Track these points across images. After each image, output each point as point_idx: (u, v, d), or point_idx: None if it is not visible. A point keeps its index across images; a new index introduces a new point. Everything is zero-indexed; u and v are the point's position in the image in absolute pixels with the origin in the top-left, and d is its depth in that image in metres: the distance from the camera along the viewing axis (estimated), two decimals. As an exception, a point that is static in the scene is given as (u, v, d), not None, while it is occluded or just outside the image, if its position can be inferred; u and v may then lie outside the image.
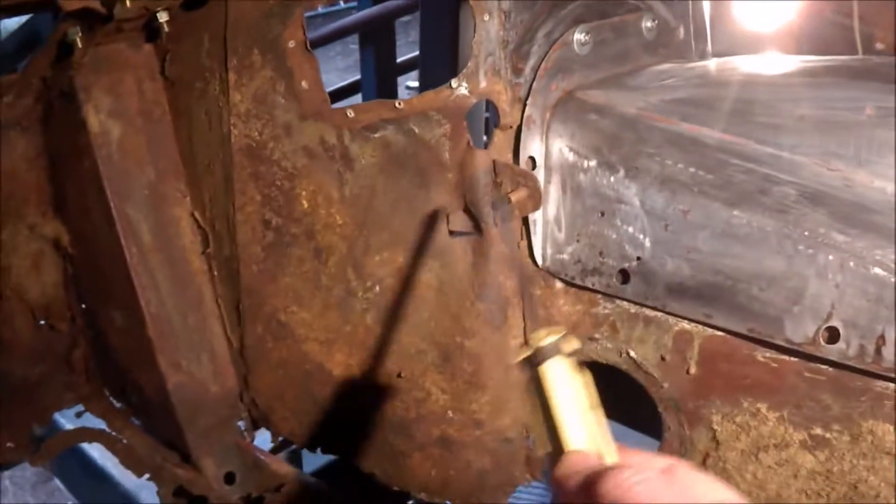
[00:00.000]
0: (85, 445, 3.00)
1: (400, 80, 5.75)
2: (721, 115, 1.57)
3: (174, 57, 1.96)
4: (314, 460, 3.01)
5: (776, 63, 1.96)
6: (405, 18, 5.84)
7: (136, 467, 2.27)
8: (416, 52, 4.95)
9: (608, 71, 1.74)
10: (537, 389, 1.00)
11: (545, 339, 1.02)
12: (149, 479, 2.26)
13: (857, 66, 1.76)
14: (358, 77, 5.48)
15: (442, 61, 3.57)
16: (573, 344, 1.03)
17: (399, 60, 5.47)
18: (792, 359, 1.44)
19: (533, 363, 1.02)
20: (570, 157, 1.59)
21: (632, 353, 1.60)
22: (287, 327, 1.94)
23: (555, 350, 1.01)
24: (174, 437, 2.21)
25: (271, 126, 1.80)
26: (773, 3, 2.81)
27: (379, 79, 5.20)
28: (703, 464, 1.58)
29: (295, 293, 1.90)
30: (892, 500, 1.41)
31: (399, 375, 1.82)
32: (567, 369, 1.01)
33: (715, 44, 2.03)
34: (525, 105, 1.60)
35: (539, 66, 1.61)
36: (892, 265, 1.32)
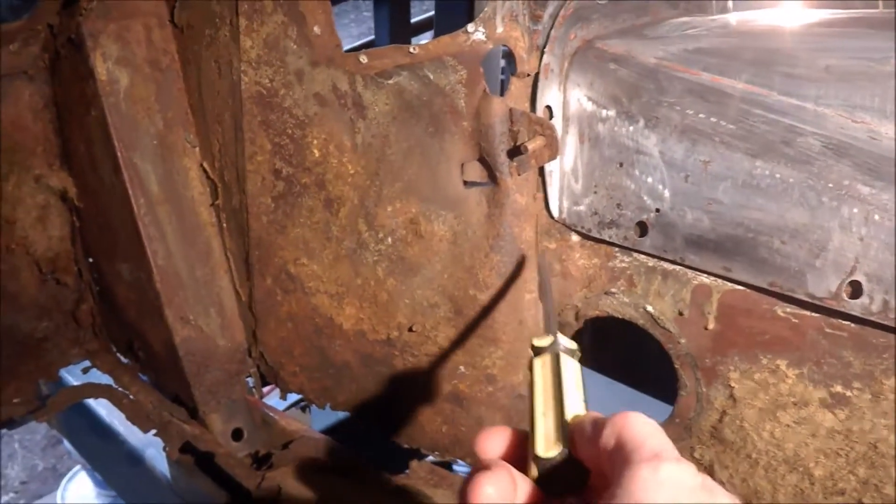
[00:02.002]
0: (91, 403, 3.00)
1: (413, 40, 5.72)
2: (744, 66, 1.53)
3: (183, 3, 1.92)
4: (324, 417, 3.00)
5: (798, 15, 1.93)
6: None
7: (143, 423, 2.25)
8: (430, 13, 4.92)
9: (627, 22, 1.70)
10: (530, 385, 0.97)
11: (544, 340, 0.99)
12: (155, 436, 2.24)
13: (882, 17, 1.72)
14: (371, 38, 5.46)
15: (458, 21, 3.55)
16: (570, 345, 1.00)
17: (413, 21, 5.43)
18: (813, 314, 1.41)
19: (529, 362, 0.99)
20: (589, 106, 1.55)
21: (649, 308, 1.57)
22: (296, 280, 1.92)
23: (549, 349, 0.98)
24: (181, 392, 2.20)
25: (282, 73, 1.76)
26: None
27: (392, 39, 5.16)
28: (720, 421, 1.56)
29: (305, 245, 1.87)
30: None
31: (411, 329, 1.79)
32: (553, 369, 0.97)
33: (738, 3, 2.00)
34: (543, 53, 1.56)
35: (558, 14, 1.57)
36: None
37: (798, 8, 2.18)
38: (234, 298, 2.11)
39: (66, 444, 4.06)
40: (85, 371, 2.45)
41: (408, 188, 1.69)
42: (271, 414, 2.20)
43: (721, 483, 1.58)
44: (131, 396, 2.30)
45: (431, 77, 1.58)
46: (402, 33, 5.29)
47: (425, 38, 5.56)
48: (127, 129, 1.97)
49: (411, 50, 1.59)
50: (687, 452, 1.63)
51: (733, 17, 1.85)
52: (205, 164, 2.03)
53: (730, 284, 1.48)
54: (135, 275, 2.12)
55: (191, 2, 1.91)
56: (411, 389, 1.86)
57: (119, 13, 1.93)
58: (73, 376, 2.90)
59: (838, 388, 1.42)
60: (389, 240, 1.75)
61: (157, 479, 2.74)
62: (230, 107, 1.88)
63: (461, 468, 2.51)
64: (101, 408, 3.05)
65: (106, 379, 2.40)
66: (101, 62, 1.92)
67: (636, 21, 1.72)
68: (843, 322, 1.39)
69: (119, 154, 1.96)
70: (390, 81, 1.63)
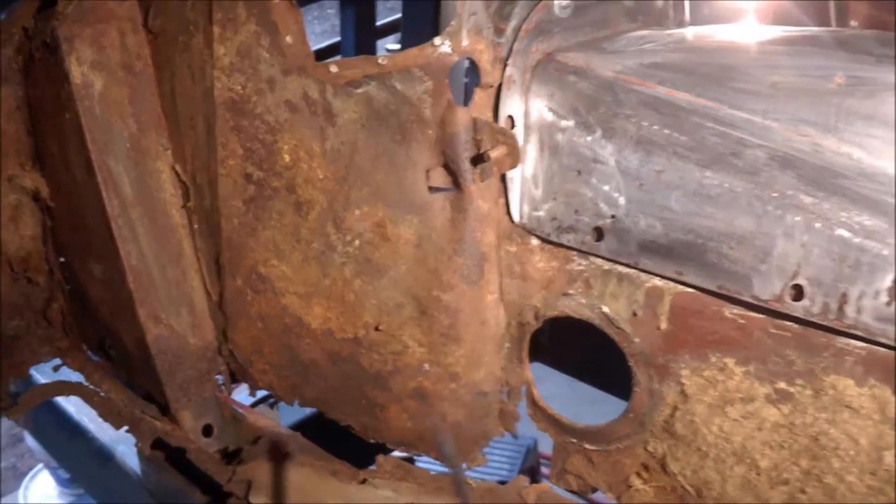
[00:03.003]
0: (60, 401, 3.03)
1: (379, 42, 5.76)
2: (697, 80, 1.60)
3: (158, 9, 1.97)
4: (293, 413, 3.04)
5: (752, 32, 2.01)
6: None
7: (115, 420, 2.29)
8: (396, 16, 4.96)
9: (588, 35, 1.77)
10: None
11: None
12: (127, 432, 2.28)
13: (830, 37, 1.80)
14: (337, 39, 5.49)
15: (424, 24, 3.60)
16: None
17: (378, 24, 5.48)
18: (759, 315, 1.49)
19: None
20: (549, 116, 1.63)
21: (605, 309, 1.65)
22: (266, 280, 1.97)
23: None
24: (153, 389, 2.24)
25: (255, 80, 1.82)
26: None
27: (358, 41, 5.21)
28: (672, 416, 1.63)
29: (275, 246, 1.93)
30: (852, 452, 1.46)
31: (377, 329, 1.85)
32: None
33: (694, 14, 2.07)
34: (506, 65, 1.63)
35: (521, 28, 1.64)
36: (856, 227, 1.37)
37: (753, 24, 2.27)
38: (204, 298, 2.15)
39: (28, 441, 4.06)
40: (55, 369, 2.49)
41: (375, 193, 1.75)
42: (241, 410, 2.25)
43: (673, 474, 1.66)
44: (103, 394, 2.34)
45: (399, 87, 1.65)
46: (368, 36, 5.34)
47: (391, 41, 5.60)
48: (101, 131, 2.01)
49: (380, 61, 1.65)
50: (640, 446, 1.71)
51: (690, 32, 1.93)
52: (177, 167, 2.08)
53: (681, 287, 1.56)
54: (107, 274, 2.16)
55: (165, 8, 1.96)
56: (377, 387, 1.92)
57: (94, 18, 1.97)
58: (42, 374, 2.92)
59: (782, 385, 1.50)
60: (357, 242, 1.81)
61: (128, 475, 2.77)
62: (203, 112, 1.93)
63: (426, 463, 2.57)
64: (71, 405, 3.07)
65: (77, 377, 2.43)
66: (76, 66, 1.96)
67: (596, 34, 1.78)
68: (787, 323, 1.47)
69: (93, 156, 2.01)
70: (359, 91, 1.69)
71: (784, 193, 1.43)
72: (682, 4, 2.02)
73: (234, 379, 2.23)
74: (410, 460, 2.13)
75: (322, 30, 9.75)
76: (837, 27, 3.06)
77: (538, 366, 3.52)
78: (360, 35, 5.22)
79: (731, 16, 2.37)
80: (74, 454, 3.20)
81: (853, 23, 3.56)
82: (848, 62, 1.59)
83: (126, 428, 2.28)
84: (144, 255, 2.08)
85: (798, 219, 1.41)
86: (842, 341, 1.42)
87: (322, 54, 5.43)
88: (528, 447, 5.05)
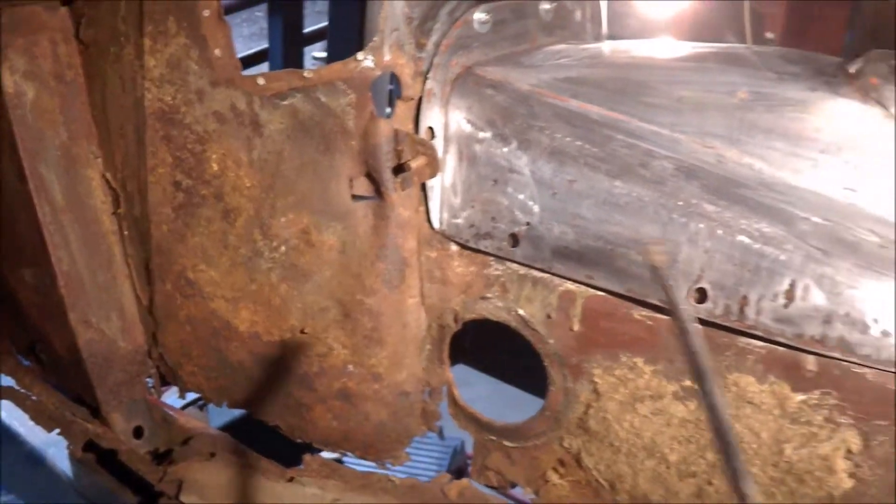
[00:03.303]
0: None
1: (306, 49, 5.78)
2: (608, 94, 1.69)
3: (90, 20, 2.01)
4: (222, 414, 3.06)
5: (664, 47, 2.09)
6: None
7: (46, 423, 2.31)
8: (323, 23, 4.98)
9: (506, 49, 1.84)
10: None
11: None
12: (59, 435, 2.30)
13: (735, 53, 1.88)
14: (265, 46, 5.50)
15: (350, 33, 3.65)
16: None
17: (306, 31, 5.52)
18: (666, 317, 1.57)
19: None
20: (467, 128, 1.70)
21: (520, 312, 1.72)
22: (195, 285, 2.02)
23: None
24: (84, 392, 2.26)
25: (184, 91, 1.87)
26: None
27: (286, 48, 5.23)
28: (586, 414, 1.71)
29: (203, 252, 1.98)
30: (754, 445, 1.55)
31: (302, 331, 1.91)
32: None
33: (614, 28, 2.15)
34: (426, 79, 1.70)
35: (441, 43, 1.71)
36: (756, 233, 1.46)
37: (667, 41, 2.35)
38: (134, 303, 2.19)
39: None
40: (-16, 375, 2.49)
41: (300, 201, 1.81)
42: (171, 412, 2.29)
43: (588, 469, 1.74)
44: (34, 397, 2.35)
45: (323, 99, 1.71)
46: (296, 43, 5.36)
47: (318, 48, 5.60)
48: (32, 139, 2.03)
49: (305, 74, 1.72)
50: (556, 442, 1.78)
51: (607, 46, 2.00)
52: (107, 175, 2.11)
53: (592, 290, 1.64)
54: (38, 280, 2.18)
55: (97, 19, 2.00)
56: (303, 388, 1.98)
57: (26, 28, 1.99)
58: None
59: (688, 383, 1.59)
60: (283, 248, 1.87)
61: (59, 477, 2.77)
62: (133, 121, 1.98)
63: (352, 461, 2.61)
64: (1, 410, 3.06)
65: (7, 381, 2.44)
66: (9, 75, 1.99)
67: (514, 49, 1.86)
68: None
69: (25, 164, 2.03)
70: (285, 102, 1.75)
71: (689, 202, 1.52)
72: (599, 19, 2.10)
73: (164, 382, 2.27)
74: (338, 459, 2.18)
75: (251, 32, 9.67)
76: (754, 39, 3.18)
77: (465, 369, 3.58)
78: (288, 42, 5.24)
79: (651, 30, 2.45)
80: (5, 458, 3.18)
81: (769, 35, 3.70)
82: (751, 78, 1.67)
83: (57, 431, 2.30)
84: (75, 260, 2.11)
85: (701, 226, 1.50)
86: (743, 341, 1.52)
87: (250, 61, 5.44)
88: (456, 448, 5.09)
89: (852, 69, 1.58)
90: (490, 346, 3.13)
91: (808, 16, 3.86)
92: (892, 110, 1.51)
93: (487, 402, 2.07)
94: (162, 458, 2.20)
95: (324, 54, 5.18)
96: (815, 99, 1.58)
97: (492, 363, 3.22)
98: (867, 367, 1.43)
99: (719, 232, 1.49)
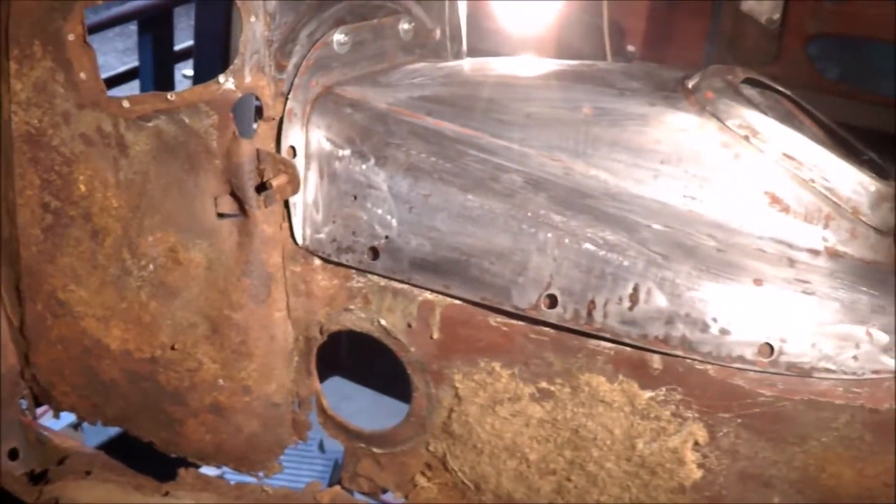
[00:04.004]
0: None
1: (177, 67, 5.80)
2: (461, 111, 1.77)
3: None
4: (99, 433, 3.04)
5: (520, 65, 2.18)
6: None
7: (-80, 448, 2.28)
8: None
9: (366, 69, 1.91)
10: None
11: None
12: (-68, 462, 2.27)
13: (581, 70, 1.97)
14: (136, 64, 5.48)
15: (215, 53, 3.68)
16: None
17: (177, 49, 5.54)
18: (520, 323, 1.66)
19: None
20: (328, 146, 1.76)
21: (382, 322, 1.79)
22: (66, 305, 2.03)
23: None
24: (-44, 416, 2.24)
25: (50, 114, 1.89)
26: (532, 7, 3.05)
27: (157, 66, 5.24)
28: (449, 418, 1.79)
29: (73, 272, 1.99)
30: (608, 442, 1.65)
31: (173, 348, 1.94)
32: None
33: (482, 43, 2.22)
34: (287, 99, 1.75)
35: (301, 64, 1.77)
36: (601, 241, 1.55)
37: (527, 57, 2.44)
38: (5, 324, 2.18)
39: None
40: None
41: (167, 220, 1.85)
42: (45, 433, 2.28)
43: (453, 471, 1.81)
44: None
45: (187, 121, 1.76)
46: (166, 61, 5.38)
47: (189, 66, 5.60)
48: None
49: (169, 96, 1.76)
50: (423, 447, 1.86)
51: (466, 64, 2.08)
52: None
53: (450, 300, 1.72)
54: None
55: (-40, 44, 2.00)
56: (175, 403, 2.01)
57: None
58: None
59: (544, 384, 1.68)
60: (151, 266, 1.90)
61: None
62: (0, 144, 1.98)
63: (227, 474, 2.63)
64: None
65: None
66: None
67: (373, 68, 1.92)
68: (545, 328, 1.65)
69: None
70: (150, 124, 1.79)
71: (537, 213, 1.61)
72: (460, 37, 2.17)
73: (38, 402, 2.26)
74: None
75: (125, 47, 9.51)
76: (615, 52, 3.30)
77: (346, 383, 3.63)
78: (159, 60, 5.24)
79: (515, 46, 2.53)
80: None
81: (630, 48, 3.85)
82: (595, 94, 1.76)
83: (-69, 458, 2.28)
84: (-57, 283, 2.10)
85: (550, 235, 1.59)
86: (593, 343, 1.61)
87: (120, 80, 5.42)
88: (337, 461, 5.07)
89: (690, 84, 1.69)
90: (367, 359, 3.20)
91: (668, 28, 4.01)
92: (727, 122, 1.61)
93: (368, 414, 2.13)
94: (38, 478, 2.20)
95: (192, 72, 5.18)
96: (655, 113, 1.67)
97: (370, 376, 3.29)
98: (709, 363, 1.54)
99: (566, 241, 1.58)
